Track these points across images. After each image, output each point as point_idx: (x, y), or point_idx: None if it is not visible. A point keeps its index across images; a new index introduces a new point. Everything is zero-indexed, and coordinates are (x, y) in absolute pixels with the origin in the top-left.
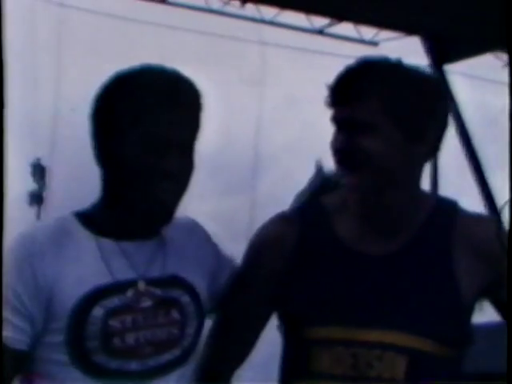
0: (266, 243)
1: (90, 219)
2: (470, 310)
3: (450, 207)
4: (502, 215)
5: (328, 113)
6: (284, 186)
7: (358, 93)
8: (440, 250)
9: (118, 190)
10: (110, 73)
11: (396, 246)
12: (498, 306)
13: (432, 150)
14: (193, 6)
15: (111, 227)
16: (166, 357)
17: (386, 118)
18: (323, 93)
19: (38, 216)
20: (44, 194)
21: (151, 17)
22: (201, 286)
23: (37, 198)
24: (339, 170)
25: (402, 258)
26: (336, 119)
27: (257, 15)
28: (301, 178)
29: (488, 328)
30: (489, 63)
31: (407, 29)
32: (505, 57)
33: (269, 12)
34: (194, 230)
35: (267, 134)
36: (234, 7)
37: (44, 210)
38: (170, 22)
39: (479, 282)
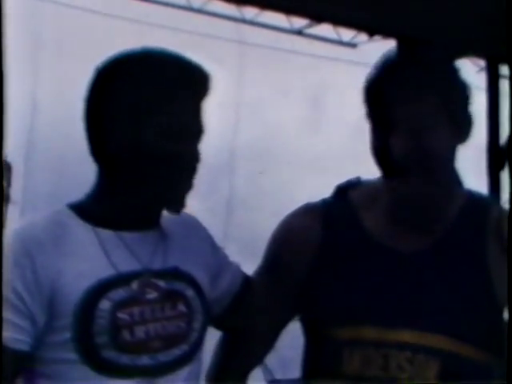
0: (288, 237)
1: (86, 211)
2: (503, 312)
3: (482, 202)
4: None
5: (305, 113)
6: (260, 186)
7: (416, 87)
8: (474, 247)
9: (119, 179)
10: (88, 69)
11: (428, 242)
12: None
13: (463, 144)
14: (174, 3)
15: (110, 217)
16: (176, 352)
17: (442, 113)
18: (300, 93)
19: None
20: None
21: (132, 14)
22: (203, 281)
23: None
24: (396, 172)
25: (434, 255)
26: (391, 116)
27: (237, 15)
28: (276, 178)
29: None
30: (464, 68)
31: (384, 32)
32: (481, 62)
33: (249, 12)
34: (195, 226)
35: (244, 132)
36: (215, 6)
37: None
38: (151, 19)
39: None
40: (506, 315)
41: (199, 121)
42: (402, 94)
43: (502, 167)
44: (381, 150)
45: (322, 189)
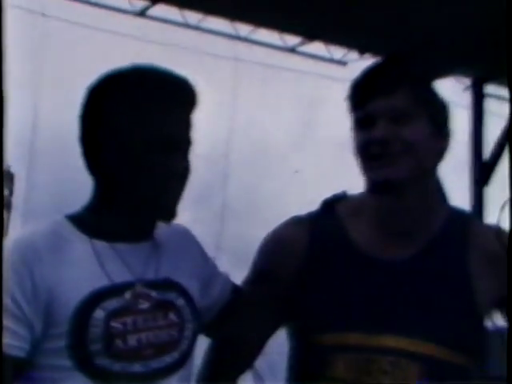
0: (276, 248)
1: (83, 222)
2: (483, 319)
3: (463, 216)
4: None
5: (296, 128)
6: (252, 198)
7: (393, 83)
8: (455, 257)
9: (114, 191)
10: (86, 83)
11: (411, 252)
12: (510, 317)
13: (446, 152)
14: (171, 20)
15: (106, 229)
16: (167, 359)
17: (420, 108)
18: (294, 108)
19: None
20: (12, 200)
21: (129, 30)
22: (193, 290)
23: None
24: (375, 161)
25: (416, 264)
26: (371, 112)
27: (232, 32)
28: (267, 191)
29: (499, 332)
30: (450, 86)
31: (373, 50)
32: (466, 81)
33: (244, 29)
34: (187, 237)
35: (237, 146)
36: (211, 23)
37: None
38: (148, 35)
39: (494, 292)
40: (485, 321)
41: (188, 133)
42: (380, 89)
43: (485, 183)
44: (363, 146)
45: (310, 202)
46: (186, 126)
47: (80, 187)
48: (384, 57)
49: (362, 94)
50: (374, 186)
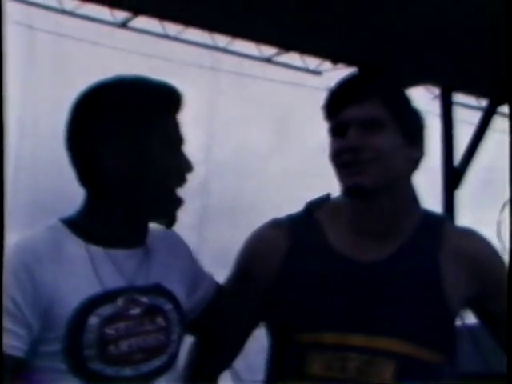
0: (257, 249)
1: (79, 227)
2: (454, 317)
3: (437, 219)
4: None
5: (273, 135)
6: (232, 202)
7: (364, 92)
8: (428, 259)
9: (108, 198)
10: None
11: (386, 253)
12: (482, 317)
13: (420, 160)
14: (151, 31)
15: (100, 234)
16: (156, 363)
17: (392, 117)
18: (270, 116)
19: None
20: None
21: (110, 40)
22: (181, 295)
23: None
24: (346, 169)
25: (391, 265)
26: (344, 121)
27: (211, 42)
28: (247, 195)
29: (469, 330)
30: (420, 95)
31: (346, 60)
32: (435, 90)
33: (222, 40)
34: (176, 242)
35: (217, 153)
36: (190, 34)
37: None
38: (128, 46)
39: (465, 292)
40: (456, 320)
41: (178, 132)
42: (352, 98)
43: (455, 188)
44: (336, 153)
45: (288, 205)
46: (174, 127)
47: (66, 194)
48: (357, 66)
49: (335, 103)
50: (346, 192)
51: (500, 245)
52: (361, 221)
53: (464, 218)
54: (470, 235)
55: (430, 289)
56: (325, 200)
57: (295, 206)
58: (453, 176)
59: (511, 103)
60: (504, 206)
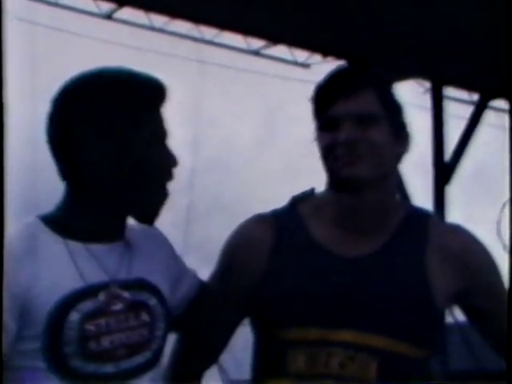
0: (241, 244)
1: (57, 223)
2: (441, 314)
3: (422, 214)
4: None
5: (261, 129)
6: (218, 198)
7: (356, 85)
8: (414, 254)
9: (88, 192)
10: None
11: (371, 249)
12: (469, 313)
13: (403, 156)
14: (135, 22)
15: (79, 230)
16: (139, 359)
17: (383, 111)
18: (258, 110)
19: None
20: None
21: (94, 32)
22: (165, 289)
23: None
24: (340, 161)
25: (376, 261)
26: (336, 115)
27: (197, 35)
28: (233, 191)
29: (460, 327)
30: (410, 89)
31: (336, 53)
32: (426, 83)
33: (209, 32)
34: (157, 237)
35: (203, 148)
36: (176, 26)
37: None
38: (114, 38)
39: (451, 288)
40: (443, 316)
41: (162, 126)
42: (344, 91)
43: (446, 183)
44: (328, 148)
45: (275, 200)
46: (158, 119)
47: (50, 189)
48: (347, 60)
49: (325, 97)
50: (336, 184)
51: (500, 243)
52: (346, 216)
53: (455, 213)
54: (457, 231)
55: (416, 285)
56: (309, 195)
57: (282, 201)
58: (443, 171)
59: (511, 100)
60: (504, 205)
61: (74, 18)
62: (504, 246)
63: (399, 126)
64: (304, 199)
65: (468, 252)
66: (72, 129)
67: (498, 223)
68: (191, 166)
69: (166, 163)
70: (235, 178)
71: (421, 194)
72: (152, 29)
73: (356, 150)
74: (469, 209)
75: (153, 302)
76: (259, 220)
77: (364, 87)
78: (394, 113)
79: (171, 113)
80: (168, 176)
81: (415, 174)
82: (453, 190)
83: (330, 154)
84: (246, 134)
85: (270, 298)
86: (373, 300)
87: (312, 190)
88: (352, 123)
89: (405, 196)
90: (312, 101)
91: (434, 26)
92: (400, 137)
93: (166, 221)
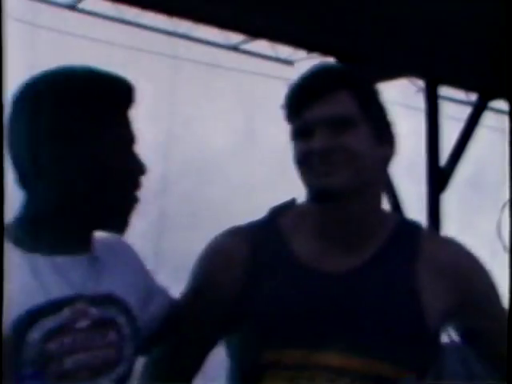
0: (215, 260)
1: (17, 235)
2: (434, 333)
3: (413, 227)
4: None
5: (239, 132)
6: (192, 206)
7: (330, 87)
8: (403, 269)
9: (49, 203)
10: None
11: (355, 264)
12: (464, 333)
13: (390, 160)
14: (105, 15)
15: (42, 242)
16: (103, 381)
17: (361, 114)
18: (237, 110)
19: None
20: None
21: (58, 23)
22: (134, 307)
23: None
24: (314, 172)
25: (361, 276)
26: (309, 121)
27: (171, 28)
28: (209, 198)
29: (457, 346)
30: (402, 88)
31: (321, 49)
32: (420, 82)
33: (183, 25)
34: (126, 250)
35: (176, 150)
36: (148, 19)
37: None
38: (82, 31)
39: (444, 306)
40: (436, 335)
41: (129, 130)
42: (316, 95)
43: (441, 190)
44: (303, 157)
45: (255, 210)
46: (125, 123)
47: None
48: (334, 57)
49: (298, 101)
50: (314, 196)
51: (500, 243)
52: (328, 228)
53: (451, 223)
54: (450, 245)
55: (405, 303)
56: (290, 206)
57: (261, 211)
58: (438, 177)
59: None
60: (504, 205)
61: (33, 7)
62: (504, 247)
63: (382, 128)
64: (284, 211)
65: (462, 267)
66: (30, 133)
67: (498, 223)
68: (163, 171)
69: (132, 171)
70: (211, 185)
71: (414, 202)
72: (122, 21)
73: (331, 158)
74: (466, 218)
75: (121, 319)
76: (235, 233)
77: (338, 88)
78: (374, 114)
79: (141, 114)
80: (135, 185)
81: (407, 180)
82: (449, 198)
83: (304, 164)
84: (223, 136)
85: (247, 316)
86: (358, 319)
87: (293, 201)
88: (326, 129)
89: (396, 204)
90: (284, 106)
91: (428, 21)
92: (383, 140)
93: (136, 231)
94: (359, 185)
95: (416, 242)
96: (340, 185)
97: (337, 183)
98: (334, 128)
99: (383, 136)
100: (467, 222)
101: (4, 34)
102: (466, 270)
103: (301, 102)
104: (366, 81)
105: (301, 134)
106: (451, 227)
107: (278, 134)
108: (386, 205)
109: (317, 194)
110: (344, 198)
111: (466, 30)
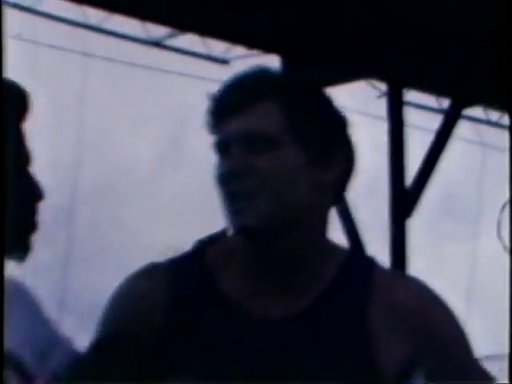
0: (128, 303)
1: None
2: (391, 381)
3: (365, 263)
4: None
5: (163, 144)
6: (104, 237)
7: (250, 98)
8: (354, 312)
9: None
10: None
11: (296, 309)
12: (427, 377)
13: (339, 185)
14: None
15: None
16: None
17: (288, 129)
18: (161, 117)
19: None
20: None
21: None
22: (30, 363)
23: None
24: (229, 201)
25: (303, 324)
26: (226, 136)
27: (80, 19)
28: (125, 226)
29: None
30: (360, 92)
31: (263, 46)
32: (382, 86)
33: (95, 16)
34: (21, 292)
35: (87, 168)
36: (51, 6)
37: None
38: None
39: (402, 354)
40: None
41: (24, 148)
42: (234, 106)
43: (407, 215)
44: (219, 179)
45: (180, 240)
46: (24, 140)
47: None
48: (279, 55)
49: (216, 112)
50: (234, 230)
51: (500, 244)
52: (260, 266)
53: (418, 254)
54: (409, 284)
55: (356, 353)
56: (219, 238)
57: (186, 244)
58: (404, 199)
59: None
60: (504, 206)
61: None
62: (504, 247)
63: (321, 146)
64: (212, 244)
65: (423, 311)
66: None
67: (498, 224)
68: (71, 192)
69: (27, 196)
70: (128, 209)
71: (373, 231)
72: (21, 8)
73: (246, 184)
74: (436, 248)
75: (12, 379)
76: (152, 272)
77: (261, 99)
78: (310, 130)
79: (45, 121)
80: (31, 211)
81: (366, 203)
82: (416, 224)
83: (222, 188)
84: (143, 149)
85: (167, 367)
86: (301, 372)
87: (223, 232)
88: (241, 148)
89: (352, 233)
90: (205, 117)
91: (391, 12)
92: (323, 160)
93: (37, 268)
94: (287, 217)
95: (368, 280)
96: (255, 218)
97: (251, 216)
98: (250, 147)
99: (322, 156)
100: (437, 253)
101: (4, 34)
102: (428, 314)
103: (219, 113)
104: (304, 89)
105: (219, 151)
106: (419, 260)
107: (208, 147)
108: (337, 234)
109: (235, 229)
110: (262, 234)
111: (437, 24)
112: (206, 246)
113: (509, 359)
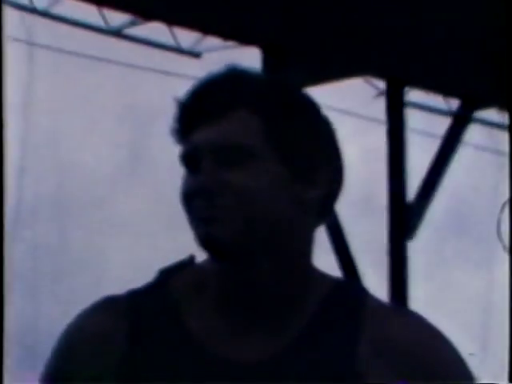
0: (81, 344)
1: None
2: None
3: (355, 293)
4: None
5: (124, 146)
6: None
7: (227, 101)
8: (340, 352)
9: None
10: None
11: (274, 348)
12: None
13: (325, 203)
14: None
15: None
16: None
17: (266, 139)
18: (121, 116)
19: None
20: None
21: None
22: None
23: None
24: (198, 216)
25: (282, 365)
26: (195, 147)
27: (26, 3)
28: (78, 245)
29: None
30: (355, 90)
31: (239, 37)
32: (381, 84)
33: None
34: None
35: (31, 176)
36: None
37: None
38: None
39: None
40: None
41: None
42: (205, 113)
43: (408, 236)
44: (185, 195)
45: (140, 264)
46: None
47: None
48: (257, 46)
49: (184, 121)
50: (202, 248)
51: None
52: (232, 298)
53: (420, 282)
54: (407, 320)
55: None
56: (185, 266)
57: (148, 271)
58: (404, 216)
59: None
60: (503, 206)
61: None
62: (504, 247)
63: (303, 158)
64: (178, 272)
65: (421, 350)
66: None
67: (498, 223)
68: (15, 206)
69: None
70: (79, 227)
71: (369, 253)
72: None
73: (215, 201)
74: (443, 272)
75: None
76: (108, 306)
77: (236, 107)
78: (290, 139)
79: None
80: None
81: (360, 221)
82: (418, 246)
83: (188, 205)
84: (99, 154)
85: None
86: None
87: (191, 259)
88: (212, 160)
89: (344, 258)
90: (171, 125)
91: (390, 6)
92: (306, 174)
93: None
94: (262, 237)
95: (359, 315)
96: (225, 239)
97: (221, 236)
98: (222, 160)
99: (305, 170)
100: (444, 280)
101: (4, 34)
102: (427, 353)
103: (187, 122)
104: (285, 93)
105: (186, 164)
106: (421, 289)
107: (174, 150)
108: (326, 257)
109: (203, 246)
110: (233, 251)
111: (445, 18)
112: (170, 276)
113: (509, 359)
